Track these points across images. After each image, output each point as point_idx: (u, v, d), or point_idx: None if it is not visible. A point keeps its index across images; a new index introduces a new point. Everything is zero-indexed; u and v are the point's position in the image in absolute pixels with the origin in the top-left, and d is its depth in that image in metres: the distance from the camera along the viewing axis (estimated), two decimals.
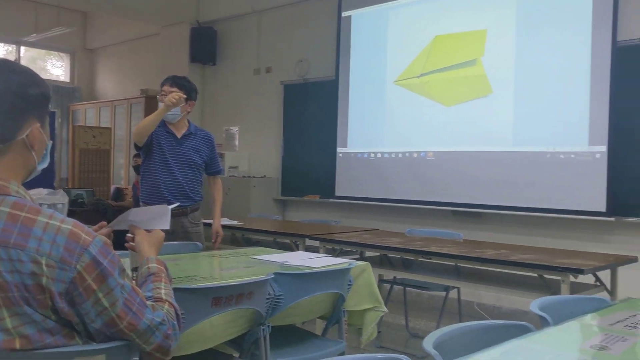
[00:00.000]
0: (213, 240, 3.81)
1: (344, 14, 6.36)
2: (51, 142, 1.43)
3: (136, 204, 6.67)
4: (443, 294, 4.32)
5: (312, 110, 6.67)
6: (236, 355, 2.41)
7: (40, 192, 4.51)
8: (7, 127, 1.29)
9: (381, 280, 4.50)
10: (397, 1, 5.91)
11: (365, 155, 6.10)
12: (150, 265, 1.54)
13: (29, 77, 1.33)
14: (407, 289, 4.60)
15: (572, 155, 4.73)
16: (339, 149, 6.29)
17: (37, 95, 1.34)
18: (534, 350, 1.38)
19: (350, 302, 2.72)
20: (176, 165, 3.55)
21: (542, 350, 1.39)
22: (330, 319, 2.69)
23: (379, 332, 4.36)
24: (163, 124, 3.56)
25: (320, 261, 2.79)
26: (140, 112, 8.59)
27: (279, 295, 2.34)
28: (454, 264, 3.95)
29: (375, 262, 4.16)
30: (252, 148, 7.44)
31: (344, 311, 2.67)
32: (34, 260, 1.18)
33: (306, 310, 2.59)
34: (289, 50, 7.08)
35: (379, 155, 5.99)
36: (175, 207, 2.08)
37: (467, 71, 5.35)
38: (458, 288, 4.28)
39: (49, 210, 1.27)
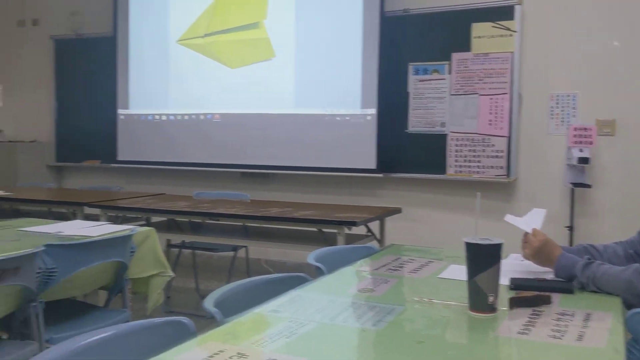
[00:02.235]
0: None
1: None
2: None
3: None
4: (232, 254, 4.40)
5: (89, 69, 6.17)
6: (5, 336, 2.19)
7: None
8: None
9: (169, 245, 4.43)
10: None
11: (150, 117, 5.86)
12: None
13: None
14: (197, 251, 4.60)
15: (347, 118, 5.07)
16: (119, 111, 5.93)
17: None
18: (308, 298, 1.47)
19: (135, 269, 2.64)
20: None
21: (316, 297, 1.49)
22: (113, 289, 2.59)
23: (167, 297, 4.31)
24: None
25: (98, 229, 2.64)
26: None
27: (52, 269, 2.17)
28: (241, 224, 4.04)
29: (163, 227, 4.07)
30: (19, 109, 6.67)
31: (126, 279, 2.58)
32: None
33: (85, 282, 2.44)
34: (60, 1, 6.42)
35: (164, 118, 5.80)
36: None
37: (250, 33, 5.38)
38: (246, 247, 4.40)
39: None
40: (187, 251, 4.55)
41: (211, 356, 1.05)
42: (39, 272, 2.11)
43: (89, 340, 1.09)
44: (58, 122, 6.36)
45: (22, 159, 6.17)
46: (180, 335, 1.19)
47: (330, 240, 3.39)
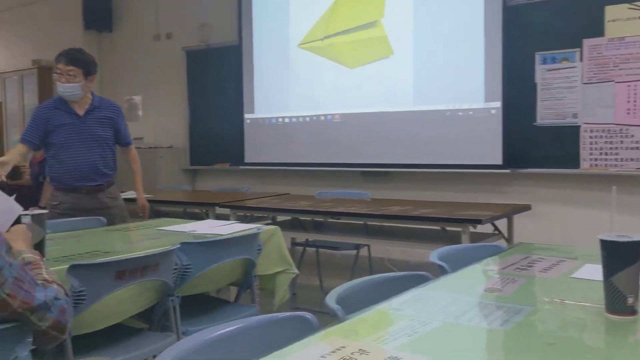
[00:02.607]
0: (140, 215, 3.67)
1: None
2: None
3: (35, 181, 6.32)
4: (354, 252, 4.44)
5: (217, 77, 6.53)
6: (147, 328, 2.37)
7: None
8: None
9: (294, 244, 4.55)
10: None
11: (273, 121, 6.07)
12: (24, 256, 1.45)
13: None
14: (320, 250, 4.69)
15: (470, 112, 4.92)
16: (246, 115, 6.22)
17: None
18: (431, 297, 1.45)
19: (261, 266, 2.73)
20: (82, 144, 3.35)
21: (439, 296, 1.46)
22: (242, 285, 2.70)
23: (293, 294, 4.43)
24: (63, 103, 3.33)
25: (228, 228, 2.78)
26: (33, 84, 8.06)
27: (187, 265, 2.31)
28: (362, 222, 4.06)
29: (287, 226, 4.20)
30: (157, 118, 7.20)
31: (254, 276, 2.68)
32: None
33: (216, 278, 2.58)
34: (190, 15, 6.84)
35: (286, 120, 5.98)
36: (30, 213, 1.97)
37: (368, 33, 5.40)
38: (368, 245, 4.41)
39: None
40: (311, 249, 4.66)
41: (333, 351, 1.07)
42: (175, 269, 2.26)
43: (220, 332, 1.15)
44: (191, 128, 6.79)
45: (161, 163, 6.65)
46: (303, 330, 1.22)
47: (455, 239, 3.31)
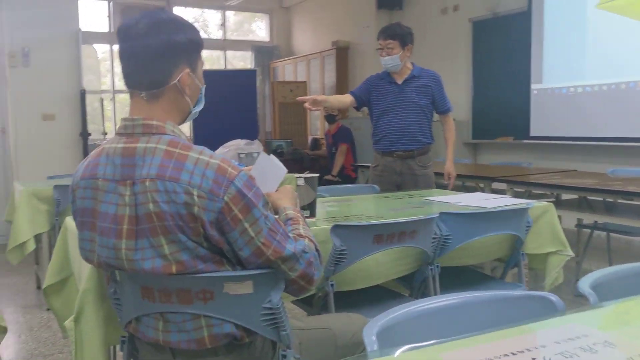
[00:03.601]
0: (445, 181, 3.82)
1: None
2: (204, 86, 1.52)
3: (329, 152, 6.96)
4: None
5: (503, 46, 6.24)
6: (406, 293, 2.42)
7: (238, 143, 4.93)
8: (159, 72, 1.40)
9: (579, 225, 4.14)
10: None
11: (564, 91, 5.56)
12: (287, 212, 1.60)
13: (178, 25, 1.42)
14: (611, 234, 4.17)
15: None
16: (533, 86, 5.82)
17: (186, 42, 1.42)
18: None
19: (531, 244, 2.54)
20: (401, 111, 3.62)
21: None
22: (508, 262, 2.56)
23: (576, 280, 4.04)
24: (386, 74, 3.68)
25: (496, 202, 2.64)
26: (332, 64, 8.83)
27: (447, 236, 2.27)
28: None
29: (573, 206, 3.84)
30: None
31: (522, 254, 2.51)
32: (187, 191, 1.29)
33: (479, 252, 2.49)
34: None
35: (579, 90, 5.42)
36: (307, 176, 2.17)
37: None
38: None
39: (199, 147, 1.36)
40: (599, 233, 4.17)
41: (571, 338, 0.93)
42: (434, 238, 2.24)
43: (450, 299, 1.10)
44: (474, 100, 6.65)
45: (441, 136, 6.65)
46: (544, 312, 1.09)
47: None
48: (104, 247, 1.37)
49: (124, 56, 1.40)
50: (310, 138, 8.96)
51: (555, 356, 0.86)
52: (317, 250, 1.48)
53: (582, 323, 1.02)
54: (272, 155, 1.86)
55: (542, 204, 2.61)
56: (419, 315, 1.05)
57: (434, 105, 3.67)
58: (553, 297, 1.14)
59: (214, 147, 1.92)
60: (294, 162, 7.31)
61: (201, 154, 1.34)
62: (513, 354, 0.88)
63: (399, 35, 3.56)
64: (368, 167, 5.78)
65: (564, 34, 5.54)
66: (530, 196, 4.06)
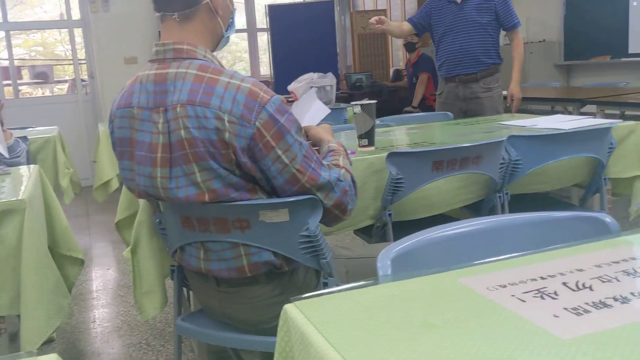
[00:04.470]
0: (508, 104, 3.62)
1: None
2: (235, 9, 1.45)
3: (410, 82, 6.72)
4: None
5: None
6: None
7: (311, 76, 4.85)
8: None
9: None
10: None
11: None
12: (330, 145, 1.53)
13: None
14: None
15: None
16: (632, 1, 5.25)
17: None
18: None
19: (614, 168, 2.33)
20: (461, 32, 3.44)
21: None
22: (589, 188, 2.36)
23: None
24: None
25: (574, 123, 2.43)
26: None
27: (517, 160, 2.12)
28: None
29: None
30: (529, 10, 6.71)
31: (605, 179, 2.31)
32: (217, 116, 1.24)
33: (555, 178, 2.31)
34: None
35: None
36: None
37: None
38: None
39: (231, 71, 1.31)
40: None
41: (616, 262, 0.82)
42: (502, 163, 2.09)
43: (482, 223, 1.00)
44: (566, 20, 6.12)
45: (531, 59, 6.23)
46: (596, 234, 0.97)
47: None
48: (141, 175, 1.36)
49: None
50: (392, 70, 8.69)
51: (591, 280, 0.76)
52: (352, 181, 1.41)
53: (633, 245, 0.89)
54: (313, 95, 1.80)
55: (629, 123, 2.38)
56: (446, 239, 0.97)
57: (498, 22, 3.40)
58: (608, 218, 1.02)
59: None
60: (373, 95, 7.12)
61: (232, 77, 1.28)
62: (543, 278, 0.78)
63: None
64: None
65: None
66: (624, 118, 3.72)
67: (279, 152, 1.27)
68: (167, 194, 1.33)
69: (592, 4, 5.77)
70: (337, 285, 1.43)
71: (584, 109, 3.92)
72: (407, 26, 3.53)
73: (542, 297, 0.72)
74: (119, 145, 1.41)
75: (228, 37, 1.44)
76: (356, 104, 2.15)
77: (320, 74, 4.93)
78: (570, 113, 4.00)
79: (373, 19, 3.25)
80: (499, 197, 2.15)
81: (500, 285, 0.76)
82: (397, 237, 1.95)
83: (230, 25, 1.43)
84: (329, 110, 1.84)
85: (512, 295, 0.73)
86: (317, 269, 1.41)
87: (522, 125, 2.56)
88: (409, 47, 6.60)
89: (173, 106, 1.28)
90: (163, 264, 1.73)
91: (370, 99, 2.14)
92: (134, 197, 2.19)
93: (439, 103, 3.57)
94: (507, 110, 3.56)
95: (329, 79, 4.78)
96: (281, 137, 1.27)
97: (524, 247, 0.91)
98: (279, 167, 1.28)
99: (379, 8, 9.24)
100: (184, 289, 1.80)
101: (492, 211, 2.17)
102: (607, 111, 3.68)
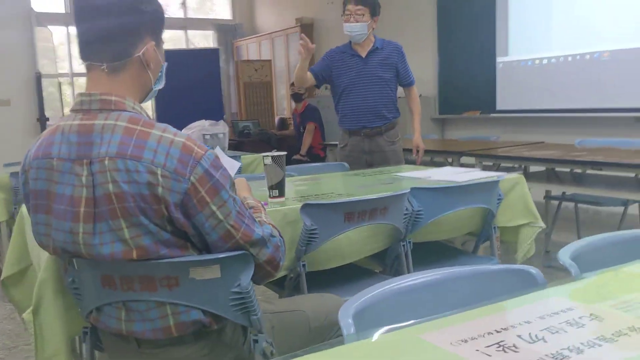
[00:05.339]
0: (414, 155, 3.72)
1: None
2: (166, 64, 1.42)
3: (297, 131, 6.87)
4: (621, 209, 3.88)
5: (468, 19, 6.21)
6: (379, 271, 2.39)
7: (202, 124, 4.80)
8: (124, 43, 1.30)
9: (548, 197, 4.16)
10: None
11: (530, 63, 5.57)
12: (248, 201, 1.53)
13: None
14: (579, 205, 4.21)
15: None
16: (498, 59, 5.82)
17: (152, 14, 1.34)
18: None
19: (503, 217, 2.53)
20: (364, 86, 3.49)
21: None
22: (480, 236, 2.54)
23: (546, 251, 4.07)
24: (348, 47, 3.53)
25: (466, 176, 2.61)
26: (296, 41, 8.64)
27: (418, 211, 2.24)
28: (633, 175, 3.51)
29: (541, 178, 3.85)
30: None
31: (494, 227, 2.49)
32: (150, 170, 1.20)
33: (451, 227, 2.46)
34: None
35: (544, 61, 5.44)
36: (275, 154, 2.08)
37: None
38: (639, 202, 3.81)
39: (163, 125, 1.28)
40: (568, 204, 4.21)
41: (556, 312, 0.89)
42: (406, 214, 2.20)
43: (427, 276, 1.05)
44: (440, 76, 6.62)
45: (409, 113, 6.62)
46: (525, 286, 1.05)
47: None
48: (60, 230, 1.28)
49: (84, 24, 1.30)
50: (277, 118, 8.85)
51: (542, 332, 0.82)
52: (281, 236, 1.42)
53: (564, 296, 0.98)
54: (222, 152, 1.80)
55: (513, 176, 2.60)
56: (396, 293, 1.01)
57: (397, 78, 3.56)
58: (533, 270, 1.10)
59: (178, 130, 1.85)
60: (262, 143, 7.21)
61: (164, 131, 1.25)
62: (497, 331, 0.83)
63: (370, 3, 3.41)
64: (336, 144, 5.76)
65: (529, 6, 5.53)
66: (498, 169, 4.06)
67: (214, 207, 1.25)
68: (89, 250, 1.25)
69: (463, 62, 6.31)
70: (267, 342, 1.41)
71: (462, 160, 4.22)
72: (309, 76, 3.55)
73: (504, 351, 0.77)
74: (34, 198, 1.31)
75: (156, 91, 1.41)
76: (267, 156, 2.17)
77: (212, 121, 4.90)
78: (451, 164, 4.29)
79: (303, 38, 3.29)
80: (403, 245, 2.24)
81: (462, 340, 0.80)
82: (309, 288, 1.99)
83: (159, 78, 1.40)
84: (239, 164, 1.84)
85: (477, 350, 0.77)
86: (246, 325, 1.39)
87: (418, 176, 2.70)
88: (296, 97, 6.77)
89: (100, 159, 1.22)
90: (70, 325, 1.60)
91: (260, 147, 2.16)
92: (25, 251, 2.03)
93: (342, 155, 3.60)
94: (409, 161, 3.72)
95: (222, 127, 4.76)
96: (216, 192, 1.25)
97: (467, 298, 0.96)
98: (213, 223, 1.25)
99: (263, 58, 9.42)
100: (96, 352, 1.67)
101: (397, 259, 2.26)
102: (484, 163, 3.99)
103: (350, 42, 3.54)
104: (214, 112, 7.52)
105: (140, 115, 1.29)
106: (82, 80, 8.96)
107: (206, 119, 5.00)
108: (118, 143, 1.22)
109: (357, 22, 3.39)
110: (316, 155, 6.52)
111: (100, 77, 1.30)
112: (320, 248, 2.00)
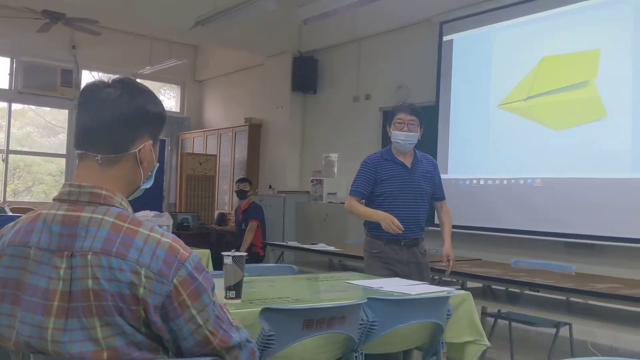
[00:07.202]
0: (444, 264, 3.63)
1: (445, 38, 6.23)
2: (158, 164, 1.44)
3: (239, 228, 6.82)
4: (553, 330, 4.00)
5: None
6: None
7: (147, 214, 4.72)
8: (123, 138, 1.31)
9: (484, 314, 4.26)
10: (502, 23, 5.71)
11: (467, 182, 5.88)
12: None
13: (151, 97, 1.38)
14: (513, 324, 4.32)
15: None
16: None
17: (155, 114, 1.37)
18: None
19: (450, 333, 2.56)
20: (410, 196, 3.42)
21: None
22: (428, 350, 2.55)
23: None
24: (390, 155, 3.47)
25: (417, 288, 2.67)
26: (244, 139, 8.85)
27: (373, 322, 2.24)
28: (565, 298, 3.66)
29: (478, 294, 3.94)
30: (350, 175, 7.38)
31: (442, 342, 2.52)
32: (134, 270, 1.18)
33: (402, 340, 2.47)
34: (388, 77, 7.04)
35: (481, 182, 5.75)
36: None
37: (578, 93, 5.03)
38: (570, 324, 3.96)
39: (150, 224, 1.27)
40: (503, 322, 4.31)
41: None
42: (361, 324, 2.20)
43: None
44: None
45: (352, 219, 6.74)
46: None
47: None
48: (26, 324, 1.20)
49: (86, 114, 1.30)
50: (217, 212, 8.78)
51: None
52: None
53: None
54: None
55: (461, 292, 2.67)
56: None
57: (432, 191, 3.54)
58: None
59: None
60: (201, 237, 7.09)
61: (152, 230, 1.24)
62: None
63: (421, 115, 3.44)
64: (278, 245, 5.74)
65: (468, 129, 5.92)
66: (438, 284, 4.15)
67: (194, 311, 1.22)
68: (56, 347, 1.18)
69: None
70: None
71: None
72: (357, 200, 3.52)
73: None
74: (1, 286, 1.24)
75: (143, 189, 1.41)
76: (227, 255, 2.16)
77: (156, 212, 4.84)
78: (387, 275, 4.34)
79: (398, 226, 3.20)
80: (355, 356, 2.22)
81: None
82: None
83: (149, 177, 1.41)
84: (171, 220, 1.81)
85: None
86: None
87: (370, 286, 2.73)
88: (241, 194, 6.79)
89: (83, 253, 1.19)
90: None
91: (199, 241, 2.14)
92: None
93: (378, 265, 3.42)
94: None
95: (166, 219, 4.70)
96: (198, 296, 1.23)
97: None
98: (192, 327, 1.22)
99: (208, 153, 9.49)
100: None
101: None
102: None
103: (389, 149, 3.51)
104: (154, 201, 7.41)
105: (127, 212, 1.28)
106: (17, 158, 8.72)
107: (144, 207, 4.92)
108: (104, 239, 1.20)
109: (411, 131, 3.39)
110: (255, 253, 6.46)
111: (92, 168, 1.29)
112: (275, 355, 1.95)
